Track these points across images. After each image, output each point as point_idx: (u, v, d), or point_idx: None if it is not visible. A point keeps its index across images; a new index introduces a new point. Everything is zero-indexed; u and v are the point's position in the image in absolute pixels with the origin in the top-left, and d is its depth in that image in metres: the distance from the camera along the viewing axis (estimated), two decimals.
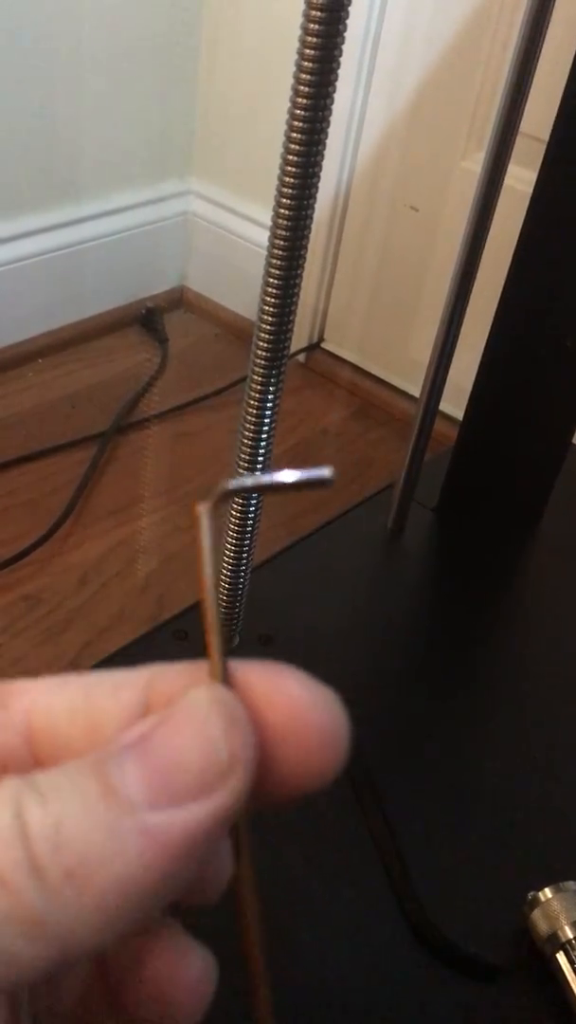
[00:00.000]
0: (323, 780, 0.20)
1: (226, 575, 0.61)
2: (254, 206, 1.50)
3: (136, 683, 0.21)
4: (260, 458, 0.56)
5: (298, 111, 0.44)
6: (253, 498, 0.59)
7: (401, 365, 1.43)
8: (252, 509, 0.59)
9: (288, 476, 0.21)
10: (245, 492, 0.24)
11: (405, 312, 1.39)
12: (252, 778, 0.19)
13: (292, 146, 0.45)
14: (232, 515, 0.60)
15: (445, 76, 1.23)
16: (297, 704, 0.20)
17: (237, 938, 0.21)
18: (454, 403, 0.78)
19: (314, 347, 1.51)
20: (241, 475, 0.56)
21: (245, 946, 0.21)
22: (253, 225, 1.49)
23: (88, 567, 1.10)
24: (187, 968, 0.22)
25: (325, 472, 0.21)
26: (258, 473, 0.53)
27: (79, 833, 0.17)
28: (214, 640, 0.21)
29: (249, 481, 0.22)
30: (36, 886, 0.17)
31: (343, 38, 0.42)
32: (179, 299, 1.62)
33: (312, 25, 0.41)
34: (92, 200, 1.44)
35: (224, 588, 0.62)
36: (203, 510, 0.21)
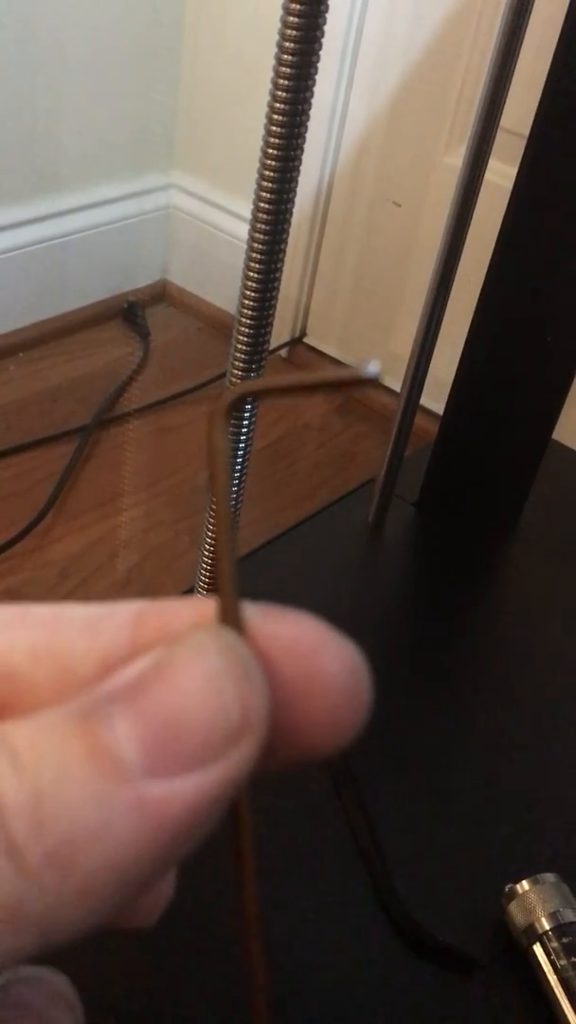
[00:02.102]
0: (339, 743, 0.17)
1: (207, 567, 0.61)
2: (236, 200, 1.49)
3: (119, 618, 0.17)
4: (239, 453, 0.56)
5: (278, 104, 0.44)
6: (235, 481, 0.59)
7: (383, 360, 1.42)
8: (232, 500, 0.59)
9: (326, 374, 0.17)
10: (272, 393, 0.18)
11: (387, 307, 1.40)
12: (264, 742, 0.16)
13: (272, 139, 0.45)
14: (212, 507, 0.60)
15: (427, 72, 1.23)
16: (316, 655, 0.17)
17: (236, 921, 0.18)
18: (436, 398, 0.78)
19: (296, 341, 1.51)
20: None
21: (243, 935, 0.18)
22: (235, 219, 1.49)
23: (69, 562, 1.10)
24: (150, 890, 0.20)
25: (371, 368, 0.17)
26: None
27: (63, 806, 0.14)
28: (227, 572, 0.17)
29: (277, 380, 0.18)
30: (12, 869, 0.14)
31: (323, 31, 0.42)
32: (161, 293, 1.62)
33: (291, 18, 0.41)
34: (74, 193, 1.43)
35: (205, 580, 0.62)
36: (221, 410, 0.18)
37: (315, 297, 1.48)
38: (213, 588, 0.64)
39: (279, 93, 0.44)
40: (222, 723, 0.16)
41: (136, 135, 1.48)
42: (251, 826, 0.17)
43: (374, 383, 0.17)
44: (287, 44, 0.42)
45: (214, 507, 0.60)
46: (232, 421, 0.54)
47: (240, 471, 0.57)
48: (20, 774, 0.15)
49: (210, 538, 0.61)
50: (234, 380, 0.53)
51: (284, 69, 0.43)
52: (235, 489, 0.59)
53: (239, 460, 0.56)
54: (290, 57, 0.43)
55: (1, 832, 0.14)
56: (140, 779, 0.15)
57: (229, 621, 0.17)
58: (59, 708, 0.16)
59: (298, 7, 0.41)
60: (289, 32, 0.42)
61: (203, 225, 1.55)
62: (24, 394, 1.35)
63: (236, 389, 0.18)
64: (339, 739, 0.17)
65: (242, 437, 0.55)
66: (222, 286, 1.53)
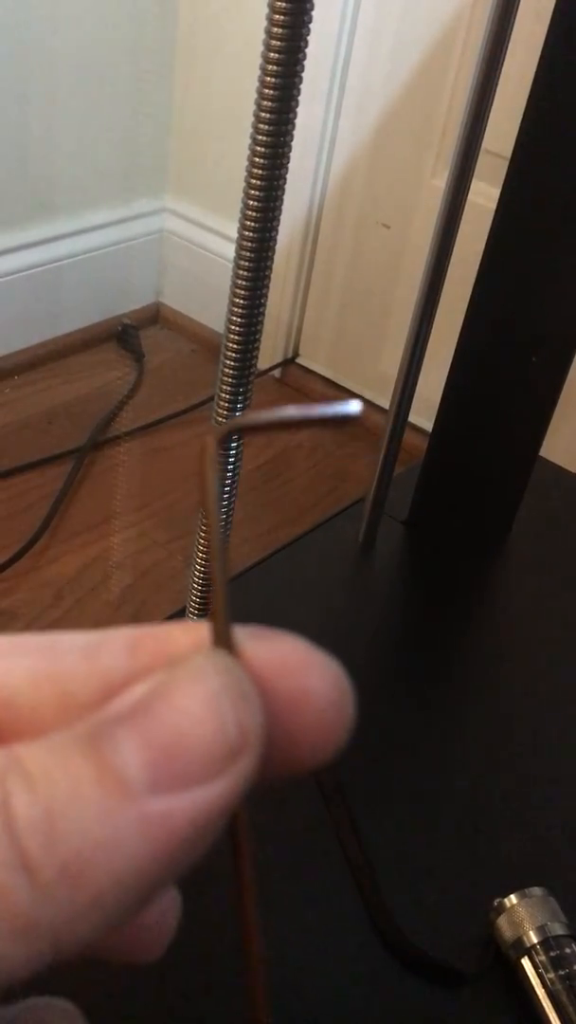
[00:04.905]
0: (327, 755, 0.18)
1: (198, 587, 0.61)
2: (228, 223, 1.51)
3: (116, 644, 0.19)
4: (228, 473, 0.57)
5: (262, 124, 0.45)
6: (223, 510, 0.59)
7: (374, 379, 1.44)
8: (222, 525, 0.60)
9: (310, 410, 0.18)
10: (259, 429, 0.20)
11: (377, 328, 1.41)
12: (261, 758, 0.17)
13: (256, 161, 0.46)
14: (202, 527, 0.60)
15: (414, 96, 1.24)
16: (304, 674, 0.18)
17: (237, 932, 0.18)
18: (428, 417, 0.79)
19: (289, 362, 1.52)
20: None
21: (244, 948, 0.18)
22: (227, 242, 1.51)
23: (64, 582, 1.10)
24: (153, 902, 0.21)
25: (352, 406, 0.18)
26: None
27: (74, 824, 0.15)
28: (220, 598, 0.19)
29: (264, 416, 0.19)
30: (26, 884, 0.15)
31: (304, 53, 0.43)
32: (155, 315, 1.63)
33: (274, 41, 0.42)
34: (67, 218, 1.45)
35: (196, 601, 0.62)
36: (210, 444, 0.19)
37: (307, 318, 1.49)
38: (205, 608, 0.64)
39: (263, 114, 0.44)
40: (222, 742, 0.17)
41: (129, 160, 1.49)
42: (250, 838, 0.18)
43: (354, 421, 0.18)
44: (270, 67, 0.43)
45: (205, 536, 0.60)
46: (219, 452, 0.55)
47: (229, 494, 0.58)
48: (34, 794, 0.15)
49: (201, 561, 0.61)
50: (222, 400, 0.53)
51: (267, 91, 0.44)
52: (224, 513, 0.60)
53: (228, 483, 0.57)
54: (273, 80, 0.43)
55: (17, 849, 0.15)
56: (145, 796, 0.16)
57: (223, 643, 0.18)
58: (68, 731, 0.17)
59: (280, 31, 0.42)
60: (272, 55, 0.43)
61: (196, 248, 1.56)
62: (20, 416, 1.36)
63: (223, 427, 0.19)
64: (326, 751, 0.18)
65: (230, 460, 0.56)
66: (215, 308, 1.54)
